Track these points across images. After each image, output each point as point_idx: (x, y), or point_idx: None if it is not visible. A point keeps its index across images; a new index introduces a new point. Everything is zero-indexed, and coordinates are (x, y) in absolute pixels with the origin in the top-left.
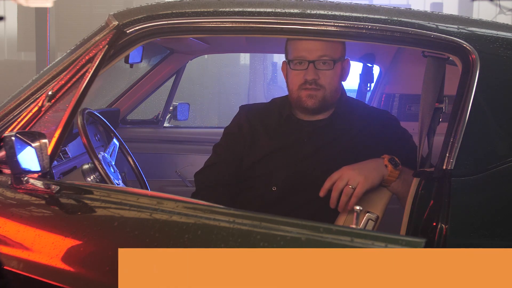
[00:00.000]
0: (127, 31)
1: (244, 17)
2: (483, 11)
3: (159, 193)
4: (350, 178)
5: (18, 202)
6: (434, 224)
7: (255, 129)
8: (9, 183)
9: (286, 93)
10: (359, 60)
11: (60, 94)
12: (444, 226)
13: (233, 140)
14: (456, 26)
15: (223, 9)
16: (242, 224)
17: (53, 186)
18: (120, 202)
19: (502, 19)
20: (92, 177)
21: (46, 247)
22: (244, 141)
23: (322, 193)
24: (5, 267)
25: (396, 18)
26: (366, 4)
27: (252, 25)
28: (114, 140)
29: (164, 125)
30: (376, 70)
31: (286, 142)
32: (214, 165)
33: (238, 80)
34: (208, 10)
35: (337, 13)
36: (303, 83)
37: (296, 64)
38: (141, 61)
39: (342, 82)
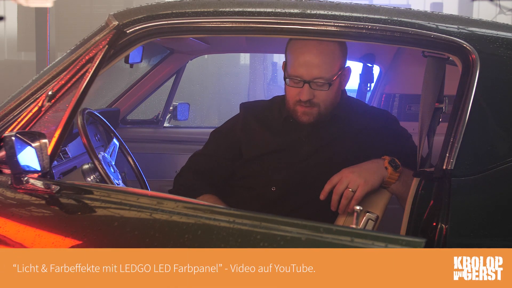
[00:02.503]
0: (127, 31)
1: (244, 17)
2: (483, 11)
3: (159, 193)
4: (350, 181)
5: (18, 202)
6: (434, 224)
7: (254, 127)
8: (9, 183)
9: None
10: (359, 60)
11: (60, 94)
12: (444, 226)
13: (225, 136)
14: (456, 26)
15: (223, 9)
16: (242, 224)
17: (53, 186)
18: (120, 202)
19: (502, 19)
20: (92, 177)
21: (46, 247)
22: (238, 138)
23: (322, 196)
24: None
25: (396, 18)
26: (366, 4)
27: (252, 25)
28: (114, 140)
29: (164, 125)
30: (376, 70)
31: (285, 143)
32: (198, 155)
33: (238, 80)
34: (208, 10)
35: (337, 13)
36: (298, 101)
37: (292, 82)
38: (141, 61)
39: (344, 86)
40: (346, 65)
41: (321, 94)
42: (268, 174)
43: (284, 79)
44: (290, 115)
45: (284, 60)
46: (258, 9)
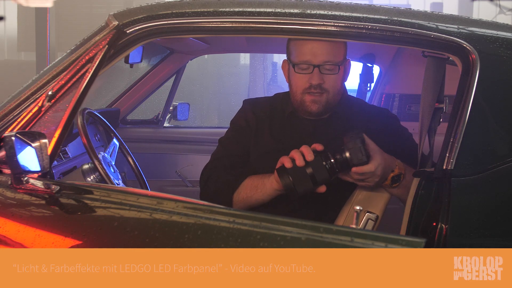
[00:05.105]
0: (127, 31)
1: (244, 17)
2: (483, 11)
3: (159, 193)
4: (371, 179)
5: (18, 202)
6: (434, 224)
7: (260, 122)
8: (9, 183)
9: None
10: (359, 60)
11: (60, 94)
12: (444, 226)
13: (240, 133)
14: (456, 26)
15: (223, 9)
16: (242, 224)
17: (53, 186)
18: (120, 202)
19: (502, 19)
20: (92, 177)
21: (46, 247)
22: (250, 134)
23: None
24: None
25: (396, 18)
26: (366, 4)
27: (252, 25)
28: (114, 140)
29: (164, 125)
30: (376, 70)
31: (288, 141)
32: (221, 158)
33: (238, 80)
34: (208, 10)
35: (337, 13)
36: (308, 87)
37: (301, 68)
38: (141, 61)
39: (347, 79)
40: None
41: (330, 80)
42: (270, 172)
43: (292, 66)
44: (296, 109)
45: (285, 59)
46: (258, 9)
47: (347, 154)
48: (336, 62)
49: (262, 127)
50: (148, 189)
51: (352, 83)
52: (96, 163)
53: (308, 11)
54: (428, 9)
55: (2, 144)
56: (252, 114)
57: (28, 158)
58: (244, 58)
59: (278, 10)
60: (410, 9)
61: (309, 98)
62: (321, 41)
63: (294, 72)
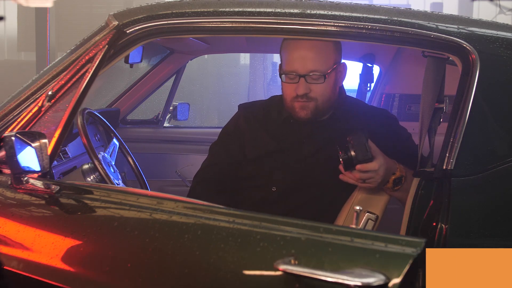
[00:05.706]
0: (127, 31)
1: (244, 17)
2: (483, 11)
3: (159, 193)
4: (374, 179)
5: (18, 202)
6: (434, 224)
7: (254, 127)
8: (9, 183)
9: None
10: (359, 60)
11: (60, 94)
12: (444, 226)
13: (226, 140)
14: (456, 26)
15: (223, 9)
16: (242, 224)
17: (53, 186)
18: (120, 202)
19: (502, 19)
20: (92, 177)
21: (46, 247)
22: (241, 140)
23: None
24: (5, 267)
25: (396, 18)
26: (366, 4)
27: (252, 25)
28: (114, 140)
29: (164, 125)
30: (376, 70)
31: (285, 143)
32: (210, 166)
33: (238, 80)
34: (208, 10)
35: (337, 13)
36: (295, 96)
37: (287, 78)
38: (141, 61)
39: (341, 83)
40: (341, 61)
41: (317, 88)
42: (268, 174)
43: (280, 76)
44: (290, 114)
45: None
46: (258, 9)
47: (352, 152)
48: (322, 71)
49: (257, 129)
50: (148, 189)
51: (352, 83)
52: (96, 163)
53: (308, 11)
54: (428, 9)
55: (2, 144)
56: (244, 118)
57: (28, 158)
58: (244, 58)
59: (278, 10)
60: (410, 9)
61: (297, 105)
62: (308, 50)
63: (283, 81)
